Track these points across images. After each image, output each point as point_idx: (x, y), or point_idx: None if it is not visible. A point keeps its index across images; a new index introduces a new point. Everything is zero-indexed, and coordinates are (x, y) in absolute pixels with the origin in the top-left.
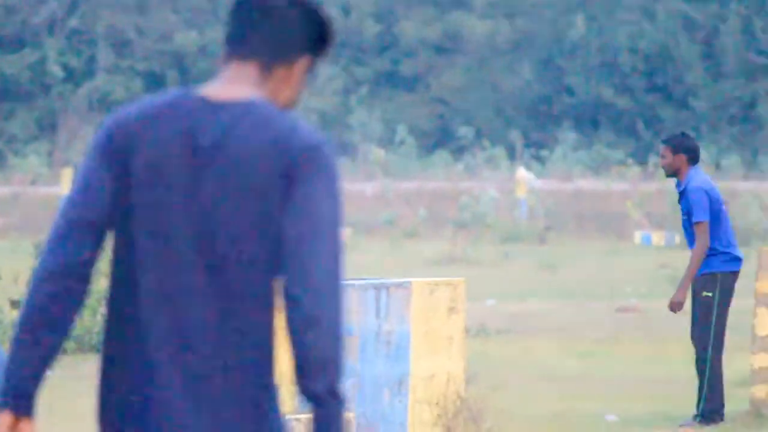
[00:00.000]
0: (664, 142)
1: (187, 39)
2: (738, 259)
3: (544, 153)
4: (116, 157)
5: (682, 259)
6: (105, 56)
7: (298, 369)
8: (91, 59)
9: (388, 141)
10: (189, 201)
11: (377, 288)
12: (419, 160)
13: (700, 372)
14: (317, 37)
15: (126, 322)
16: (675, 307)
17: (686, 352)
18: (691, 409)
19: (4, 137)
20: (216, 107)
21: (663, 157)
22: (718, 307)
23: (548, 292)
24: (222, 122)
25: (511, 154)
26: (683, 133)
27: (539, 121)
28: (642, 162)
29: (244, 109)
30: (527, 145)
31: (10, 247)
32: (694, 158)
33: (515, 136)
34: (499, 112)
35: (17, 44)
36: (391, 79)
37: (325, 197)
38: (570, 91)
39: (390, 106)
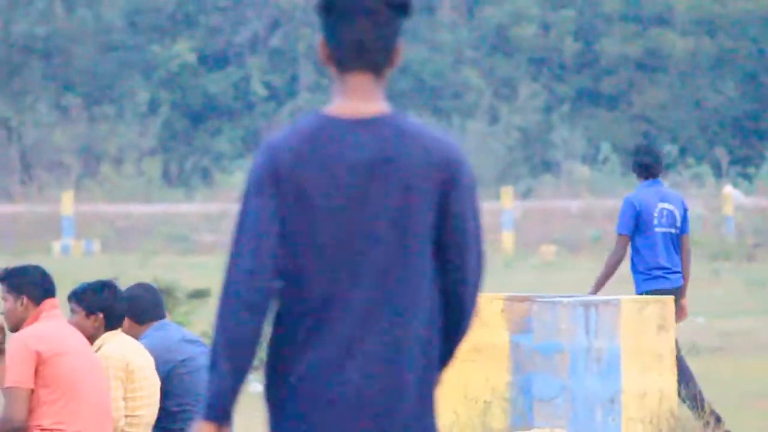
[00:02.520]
0: None
1: None
2: None
3: (750, 170)
4: (285, 185)
5: None
6: (306, 75)
7: None
8: (294, 78)
9: (591, 158)
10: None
11: (586, 305)
12: (623, 177)
13: None
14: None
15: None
16: None
17: None
18: None
19: (211, 154)
20: (359, 125)
21: None
22: None
23: (759, 309)
24: (376, 139)
25: (717, 172)
26: None
27: (744, 137)
28: None
29: (390, 124)
30: (733, 162)
31: (218, 264)
32: None
33: (720, 153)
34: (703, 130)
35: (221, 63)
36: (592, 97)
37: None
38: None
39: (592, 124)
